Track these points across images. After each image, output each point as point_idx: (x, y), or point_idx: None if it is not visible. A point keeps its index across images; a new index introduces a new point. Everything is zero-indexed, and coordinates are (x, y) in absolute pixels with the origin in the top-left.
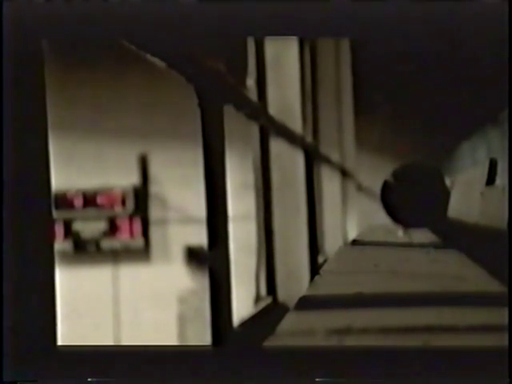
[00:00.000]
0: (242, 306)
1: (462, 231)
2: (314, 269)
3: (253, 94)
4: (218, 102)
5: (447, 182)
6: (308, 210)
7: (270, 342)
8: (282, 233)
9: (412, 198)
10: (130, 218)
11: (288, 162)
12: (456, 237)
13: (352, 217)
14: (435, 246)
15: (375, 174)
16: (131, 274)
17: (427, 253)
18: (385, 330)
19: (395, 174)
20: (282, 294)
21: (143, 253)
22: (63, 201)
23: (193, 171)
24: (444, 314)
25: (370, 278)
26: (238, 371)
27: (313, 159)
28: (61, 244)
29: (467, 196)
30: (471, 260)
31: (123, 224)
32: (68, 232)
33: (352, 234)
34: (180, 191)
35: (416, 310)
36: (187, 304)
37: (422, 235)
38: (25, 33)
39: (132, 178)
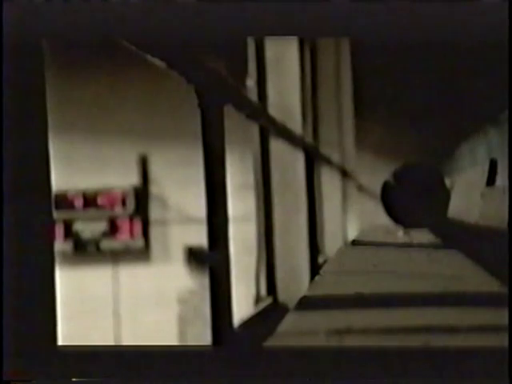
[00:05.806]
0: (242, 306)
1: (462, 231)
2: (314, 269)
3: (253, 94)
4: (218, 103)
5: (447, 182)
6: (308, 210)
7: (270, 342)
8: (282, 233)
9: (412, 199)
10: (131, 218)
11: (288, 161)
12: (456, 237)
13: (352, 217)
14: (435, 246)
15: (375, 174)
16: (131, 274)
17: (427, 253)
18: (385, 330)
19: (395, 175)
20: (282, 295)
21: (143, 253)
22: (63, 201)
23: (193, 171)
24: (444, 314)
25: (370, 278)
26: (238, 371)
27: (313, 159)
28: (61, 244)
29: (467, 196)
30: (471, 260)
31: (123, 224)
32: (68, 232)
33: (352, 234)
34: (180, 191)
35: (416, 310)
36: (187, 304)
37: (422, 235)
38: (25, 33)
39: (132, 179)
